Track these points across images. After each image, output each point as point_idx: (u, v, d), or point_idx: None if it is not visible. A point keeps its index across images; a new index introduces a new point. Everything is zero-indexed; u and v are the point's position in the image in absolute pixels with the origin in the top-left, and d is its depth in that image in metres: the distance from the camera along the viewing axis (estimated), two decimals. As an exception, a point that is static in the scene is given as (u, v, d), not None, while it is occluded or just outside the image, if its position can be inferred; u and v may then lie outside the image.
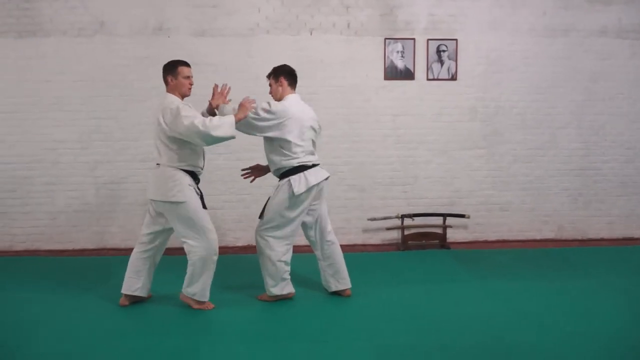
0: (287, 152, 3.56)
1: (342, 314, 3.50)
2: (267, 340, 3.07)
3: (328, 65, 5.29)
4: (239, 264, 4.74)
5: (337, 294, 3.83)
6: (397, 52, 5.36)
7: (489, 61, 5.41)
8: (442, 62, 5.39)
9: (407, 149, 5.42)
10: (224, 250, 5.18)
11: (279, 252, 3.60)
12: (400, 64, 5.37)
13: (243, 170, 4.05)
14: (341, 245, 5.29)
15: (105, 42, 5.09)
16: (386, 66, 5.36)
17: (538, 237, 5.58)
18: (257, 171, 4.02)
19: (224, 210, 5.31)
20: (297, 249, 3.99)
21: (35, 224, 5.23)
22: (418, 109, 5.41)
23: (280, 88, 3.71)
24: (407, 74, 5.38)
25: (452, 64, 5.39)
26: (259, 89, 5.22)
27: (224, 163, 5.25)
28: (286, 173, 3.59)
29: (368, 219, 5.35)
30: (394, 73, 5.37)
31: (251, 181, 4.10)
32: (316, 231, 3.78)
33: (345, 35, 5.29)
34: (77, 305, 3.67)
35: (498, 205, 5.54)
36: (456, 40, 5.35)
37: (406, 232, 5.31)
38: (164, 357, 2.86)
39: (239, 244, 5.34)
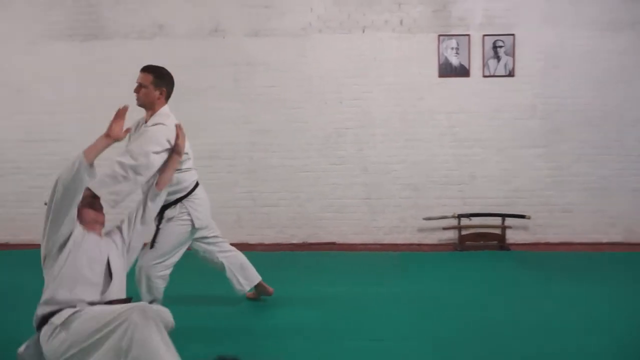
0: None
1: (396, 313, 3.36)
2: (325, 338, 2.96)
3: (381, 64, 5.24)
4: (294, 261, 4.70)
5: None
6: (452, 48, 5.25)
7: (548, 56, 5.22)
8: (498, 58, 5.24)
9: (463, 147, 5.27)
10: (279, 247, 5.21)
11: None
12: (455, 60, 5.26)
13: None
14: (396, 245, 5.24)
15: (164, 44, 5.24)
16: (440, 63, 5.25)
17: (604, 240, 5.26)
18: None
19: (279, 207, 5.31)
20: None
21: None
22: (474, 107, 5.26)
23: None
24: (462, 71, 5.25)
25: (510, 59, 5.23)
26: (312, 88, 5.27)
27: (279, 161, 5.28)
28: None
29: (424, 219, 5.21)
30: (448, 70, 5.26)
31: None
32: None
33: (397, 33, 5.24)
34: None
35: (559, 206, 5.28)
36: (513, 35, 5.20)
37: (463, 232, 5.13)
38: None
39: (294, 241, 5.32)
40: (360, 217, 5.29)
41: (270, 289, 3.54)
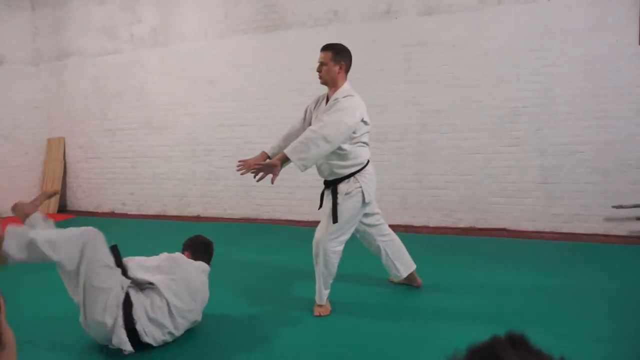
0: None
1: (577, 308, 3.08)
2: (497, 327, 2.85)
3: (568, 34, 4.73)
4: (461, 245, 4.62)
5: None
6: (659, 10, 4.51)
7: None
8: None
9: (668, 125, 4.55)
10: (445, 231, 5.15)
11: None
12: (662, 24, 4.51)
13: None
14: (576, 234, 4.80)
15: (339, 30, 5.44)
16: (643, 29, 4.56)
17: None
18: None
19: (447, 190, 5.23)
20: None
21: (276, 196, 5.92)
22: (687, 78, 4.47)
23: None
24: (672, 36, 4.49)
25: None
26: (488, 65, 5.00)
27: (448, 142, 5.17)
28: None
29: (613, 207, 4.66)
30: (653, 36, 4.54)
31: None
32: None
33: (590, -2, 4.67)
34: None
35: None
36: None
37: (664, 225, 4.48)
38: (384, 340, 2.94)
39: (461, 225, 5.21)
40: (535, 202, 4.93)
41: (420, 280, 3.51)
